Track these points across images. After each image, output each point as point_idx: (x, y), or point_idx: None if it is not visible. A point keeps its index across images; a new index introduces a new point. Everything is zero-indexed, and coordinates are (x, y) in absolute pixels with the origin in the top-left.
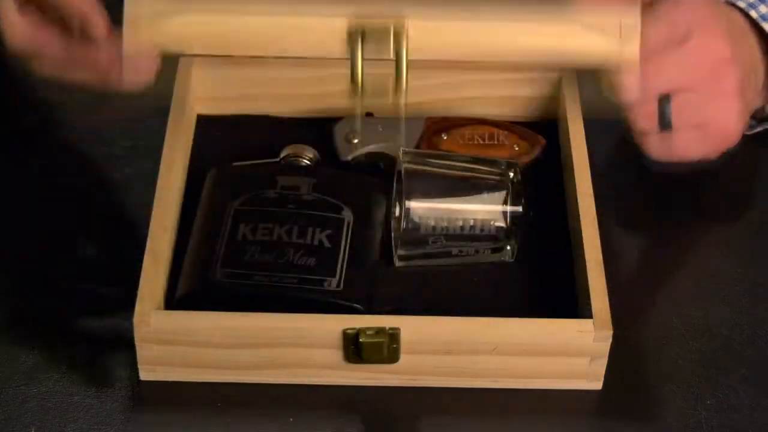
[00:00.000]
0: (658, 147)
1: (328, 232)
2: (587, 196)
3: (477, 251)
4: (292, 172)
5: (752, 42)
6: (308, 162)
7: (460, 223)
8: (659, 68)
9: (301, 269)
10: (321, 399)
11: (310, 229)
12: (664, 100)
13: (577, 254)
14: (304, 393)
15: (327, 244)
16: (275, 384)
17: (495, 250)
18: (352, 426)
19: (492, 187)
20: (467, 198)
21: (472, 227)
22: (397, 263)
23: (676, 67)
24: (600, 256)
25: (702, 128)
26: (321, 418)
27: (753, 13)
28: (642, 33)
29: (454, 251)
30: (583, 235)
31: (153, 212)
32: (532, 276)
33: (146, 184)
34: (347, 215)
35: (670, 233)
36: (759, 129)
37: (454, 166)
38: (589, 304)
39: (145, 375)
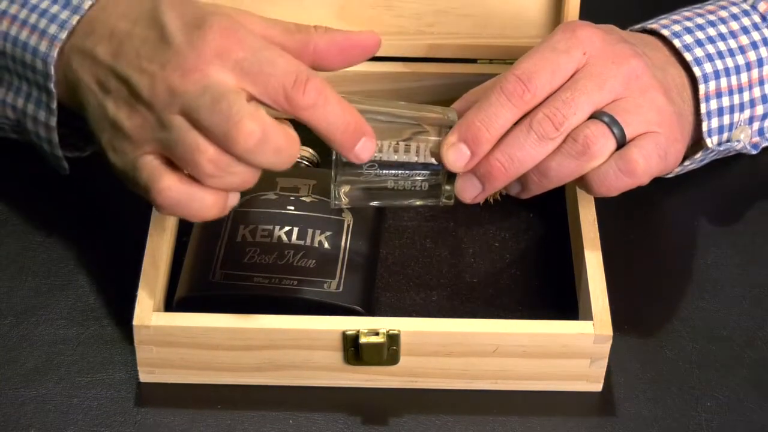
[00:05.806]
0: (614, 173)
1: (328, 233)
2: (587, 196)
3: (414, 186)
4: (292, 173)
5: (677, 68)
6: (308, 163)
7: (396, 153)
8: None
9: (300, 271)
10: (320, 401)
11: (310, 231)
12: (602, 116)
13: (577, 255)
14: (303, 395)
15: (327, 245)
16: (275, 386)
17: (433, 188)
18: (352, 428)
19: (432, 125)
20: (408, 132)
21: (406, 151)
22: (333, 201)
23: (593, 83)
24: (600, 258)
25: (648, 132)
26: (320, 420)
27: (676, 42)
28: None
29: (390, 184)
30: (583, 235)
31: (152, 213)
32: (532, 277)
33: None
34: (347, 217)
35: (670, 234)
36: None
37: (398, 105)
38: (590, 306)
39: (144, 377)
